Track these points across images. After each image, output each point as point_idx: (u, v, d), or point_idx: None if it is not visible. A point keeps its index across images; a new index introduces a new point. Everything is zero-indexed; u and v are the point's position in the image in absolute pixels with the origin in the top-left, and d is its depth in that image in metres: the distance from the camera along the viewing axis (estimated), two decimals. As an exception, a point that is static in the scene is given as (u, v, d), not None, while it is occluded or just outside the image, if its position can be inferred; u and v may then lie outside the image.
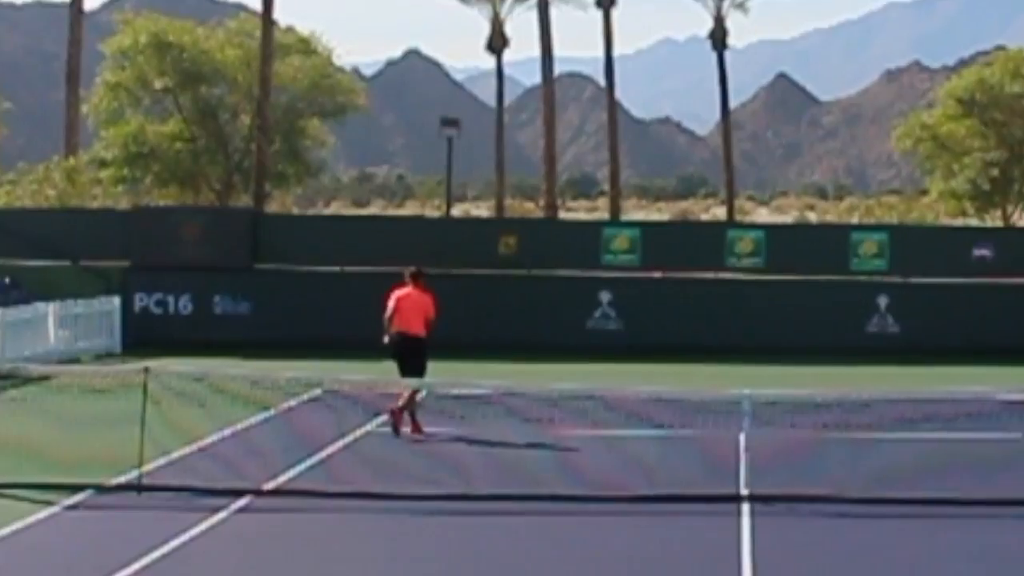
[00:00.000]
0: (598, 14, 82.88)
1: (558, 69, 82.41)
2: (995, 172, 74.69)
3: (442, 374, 29.27)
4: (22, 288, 40.53)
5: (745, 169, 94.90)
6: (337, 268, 42.55)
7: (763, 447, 22.16)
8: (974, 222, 73.19)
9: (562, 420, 25.07)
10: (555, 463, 23.55)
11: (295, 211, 73.34)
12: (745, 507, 20.29)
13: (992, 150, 74.98)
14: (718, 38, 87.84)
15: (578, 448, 24.85)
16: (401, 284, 28.71)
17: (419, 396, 27.45)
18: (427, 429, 26.20)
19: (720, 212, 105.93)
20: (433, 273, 36.18)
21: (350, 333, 37.51)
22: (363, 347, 33.69)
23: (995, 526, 19.69)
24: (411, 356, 27.48)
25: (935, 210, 79.35)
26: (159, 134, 68.75)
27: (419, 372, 27.01)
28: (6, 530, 19.37)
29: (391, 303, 27.99)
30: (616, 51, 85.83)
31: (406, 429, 26.80)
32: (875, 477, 21.67)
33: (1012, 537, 18.98)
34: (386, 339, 27.93)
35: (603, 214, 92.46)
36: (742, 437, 22.59)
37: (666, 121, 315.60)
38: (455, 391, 27.84)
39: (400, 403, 26.93)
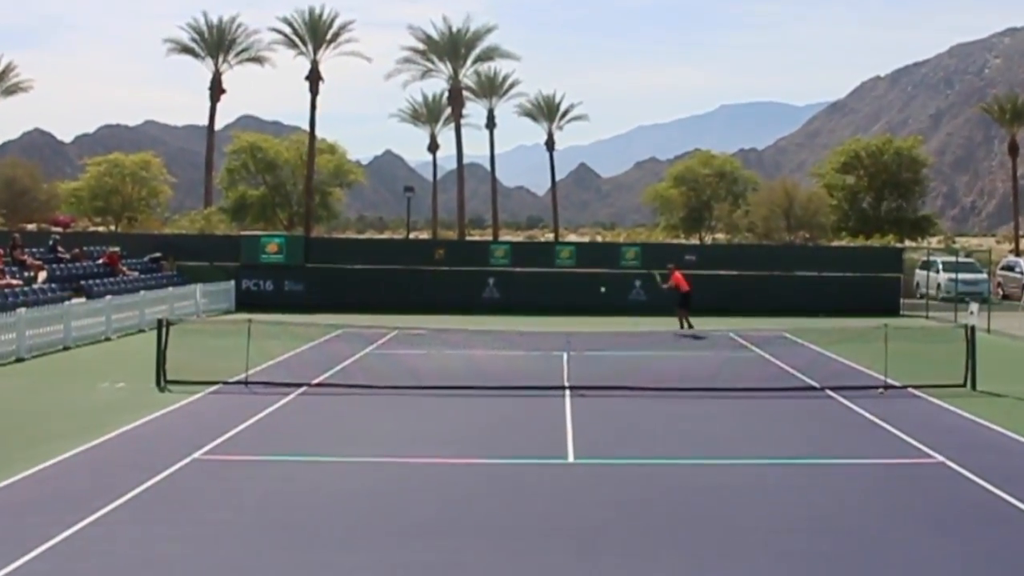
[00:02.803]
0: (486, 132, 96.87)
1: (465, 160, 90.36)
2: (695, 215, 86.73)
3: (401, 322, 35.90)
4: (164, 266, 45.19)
5: (561, 212, 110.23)
6: (348, 266, 47.35)
7: (578, 364, 25.53)
8: (684, 240, 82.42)
9: (474, 344, 29.05)
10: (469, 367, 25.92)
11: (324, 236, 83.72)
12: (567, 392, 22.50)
13: (693, 202, 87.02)
14: (549, 144, 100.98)
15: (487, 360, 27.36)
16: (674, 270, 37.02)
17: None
18: (400, 351, 29.40)
19: (551, 236, 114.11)
20: (398, 268, 45.97)
21: (369, 299, 43.66)
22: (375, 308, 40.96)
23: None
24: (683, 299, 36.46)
25: (663, 235, 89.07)
26: (254, 196, 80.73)
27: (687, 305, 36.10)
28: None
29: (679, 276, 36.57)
30: (497, 150, 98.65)
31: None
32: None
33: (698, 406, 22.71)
34: (665, 286, 37.06)
35: (489, 237, 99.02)
36: (565, 356, 26.14)
37: (521, 188, 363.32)
38: (410, 332, 32.85)
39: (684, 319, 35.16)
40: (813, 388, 23.61)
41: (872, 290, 47.11)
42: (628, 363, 27.44)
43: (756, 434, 18.65)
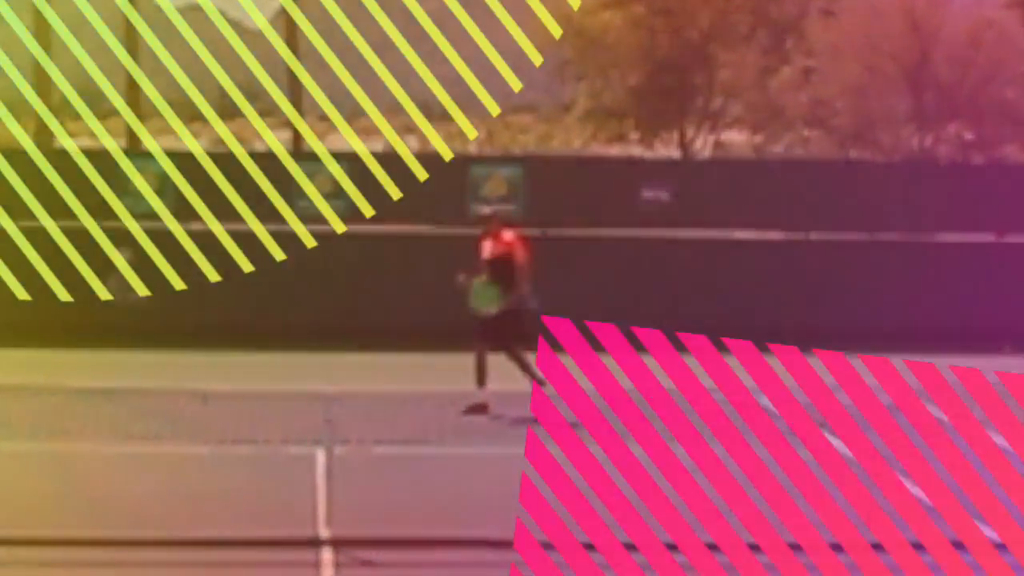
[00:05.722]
0: None
1: None
2: (669, 81, 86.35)
3: None
4: None
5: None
6: None
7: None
8: (638, 150, 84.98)
9: None
10: None
11: None
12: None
13: (663, 49, 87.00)
14: None
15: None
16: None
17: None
18: None
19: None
20: None
21: None
22: None
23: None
24: None
25: (583, 134, 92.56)
26: None
27: None
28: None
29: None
30: None
31: None
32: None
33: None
34: None
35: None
36: (320, 460, 27.30)
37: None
38: None
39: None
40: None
41: None
42: (488, 474, 29.19)
43: None
